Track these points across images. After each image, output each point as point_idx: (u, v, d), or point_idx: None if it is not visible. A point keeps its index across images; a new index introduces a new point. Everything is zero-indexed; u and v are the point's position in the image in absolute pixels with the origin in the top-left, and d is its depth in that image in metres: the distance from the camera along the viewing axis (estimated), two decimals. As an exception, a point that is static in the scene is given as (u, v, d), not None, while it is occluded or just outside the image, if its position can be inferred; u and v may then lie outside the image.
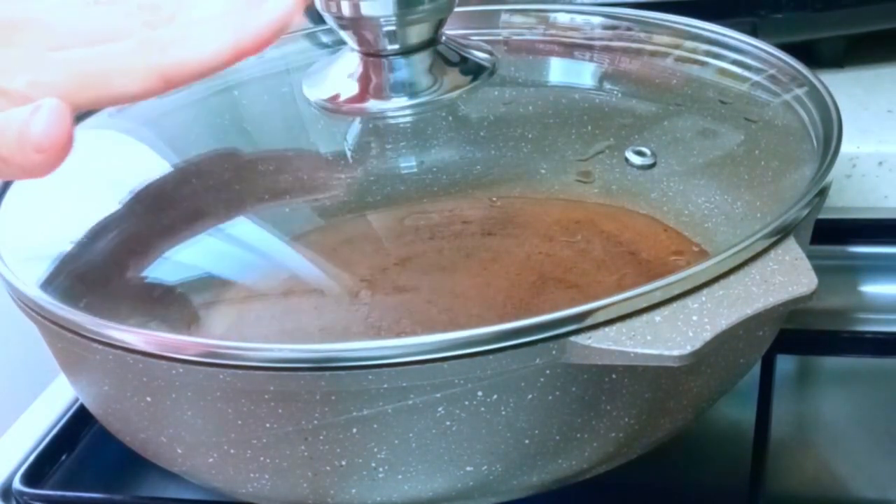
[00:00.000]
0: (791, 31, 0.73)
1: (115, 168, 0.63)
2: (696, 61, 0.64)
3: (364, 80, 0.60)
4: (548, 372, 0.42)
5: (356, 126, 0.65)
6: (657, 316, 0.41)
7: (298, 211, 0.69)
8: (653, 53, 0.66)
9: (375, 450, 0.43)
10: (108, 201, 0.62)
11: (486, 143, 0.71)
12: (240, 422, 0.43)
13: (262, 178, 0.69)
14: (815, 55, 0.75)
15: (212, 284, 0.63)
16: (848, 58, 0.75)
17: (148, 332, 0.44)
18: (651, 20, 0.66)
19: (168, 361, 0.43)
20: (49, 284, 0.54)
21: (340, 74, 0.61)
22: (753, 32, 0.72)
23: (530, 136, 0.70)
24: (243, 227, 0.67)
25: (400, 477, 0.44)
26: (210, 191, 0.67)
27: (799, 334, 0.60)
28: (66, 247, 0.58)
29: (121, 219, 0.63)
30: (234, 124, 0.68)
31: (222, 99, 0.68)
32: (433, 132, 0.71)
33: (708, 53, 0.63)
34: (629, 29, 0.67)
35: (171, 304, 0.62)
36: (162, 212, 0.65)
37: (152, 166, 0.64)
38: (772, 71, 0.59)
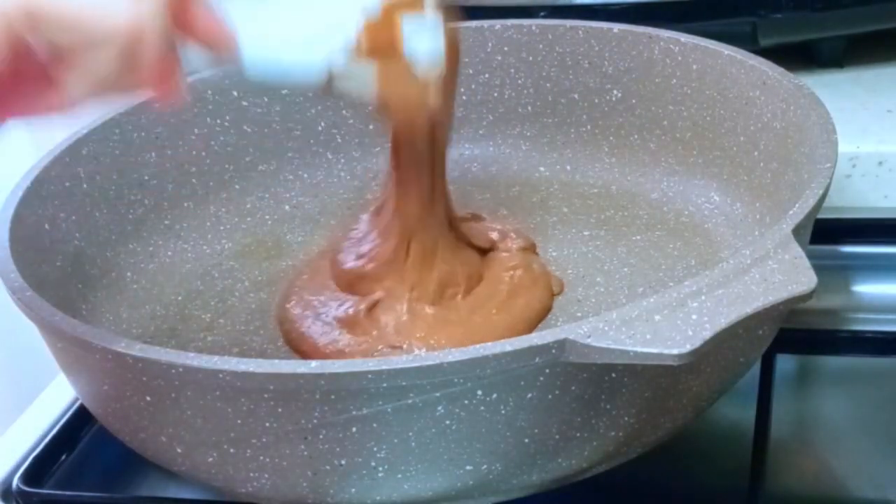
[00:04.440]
0: (791, 31, 0.73)
1: (117, 170, 0.63)
2: (694, 70, 0.64)
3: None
4: (547, 371, 0.42)
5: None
6: (657, 315, 0.41)
7: (297, 208, 0.69)
8: (651, 59, 0.66)
9: (375, 449, 0.43)
10: (111, 202, 0.62)
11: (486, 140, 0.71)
12: (240, 421, 0.43)
13: (262, 177, 0.69)
14: (815, 55, 0.75)
15: (213, 289, 0.63)
16: (848, 58, 0.75)
17: (145, 346, 0.44)
18: (648, 34, 0.66)
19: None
20: (49, 284, 0.54)
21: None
22: (753, 33, 0.72)
23: (529, 134, 0.71)
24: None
25: (399, 476, 0.44)
26: (210, 191, 0.67)
27: (799, 334, 0.60)
28: (68, 247, 0.59)
29: (121, 218, 0.63)
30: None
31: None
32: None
33: (704, 63, 0.64)
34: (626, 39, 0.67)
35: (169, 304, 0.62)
36: (162, 211, 0.65)
37: (154, 166, 0.65)
38: (767, 79, 0.59)
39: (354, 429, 0.42)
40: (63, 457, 0.58)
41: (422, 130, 0.54)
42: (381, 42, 0.50)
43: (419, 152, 0.55)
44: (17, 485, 0.55)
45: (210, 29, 0.45)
